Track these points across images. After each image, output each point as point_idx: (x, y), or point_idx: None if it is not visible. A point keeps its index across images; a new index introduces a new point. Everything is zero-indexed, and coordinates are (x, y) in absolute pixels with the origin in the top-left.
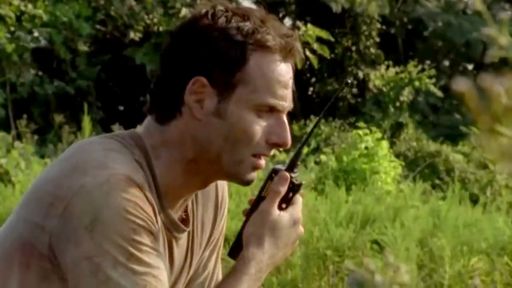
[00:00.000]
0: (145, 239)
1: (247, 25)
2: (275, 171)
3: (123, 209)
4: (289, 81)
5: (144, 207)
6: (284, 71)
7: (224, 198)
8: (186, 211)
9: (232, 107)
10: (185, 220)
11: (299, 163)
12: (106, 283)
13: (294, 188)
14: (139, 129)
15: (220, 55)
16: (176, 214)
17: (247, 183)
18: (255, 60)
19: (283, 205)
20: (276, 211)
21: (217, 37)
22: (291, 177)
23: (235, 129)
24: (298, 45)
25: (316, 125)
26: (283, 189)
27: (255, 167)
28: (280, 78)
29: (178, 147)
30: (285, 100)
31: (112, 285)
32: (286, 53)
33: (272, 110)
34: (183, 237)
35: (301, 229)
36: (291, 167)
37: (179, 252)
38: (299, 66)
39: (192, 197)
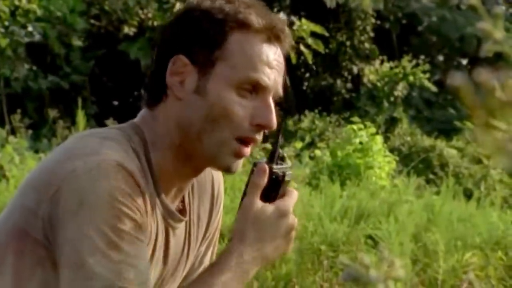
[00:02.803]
0: (128, 227)
1: (230, 6)
2: (255, 164)
3: (110, 195)
4: (273, 62)
5: (132, 195)
6: (267, 51)
7: (220, 193)
8: (183, 201)
9: (212, 84)
10: (182, 211)
11: (285, 155)
12: (81, 269)
13: (277, 179)
14: (137, 119)
15: (200, 33)
16: (172, 204)
17: (228, 169)
18: (235, 38)
19: (272, 197)
20: (257, 204)
21: (198, 17)
22: (272, 169)
23: (214, 107)
24: (284, 28)
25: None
26: (263, 181)
27: (238, 154)
28: (261, 56)
29: (166, 132)
30: (268, 77)
31: (85, 271)
32: (269, 34)
33: (256, 88)
34: (180, 227)
35: (291, 221)
36: (271, 159)
37: (175, 242)
38: (293, 61)
39: (189, 189)
